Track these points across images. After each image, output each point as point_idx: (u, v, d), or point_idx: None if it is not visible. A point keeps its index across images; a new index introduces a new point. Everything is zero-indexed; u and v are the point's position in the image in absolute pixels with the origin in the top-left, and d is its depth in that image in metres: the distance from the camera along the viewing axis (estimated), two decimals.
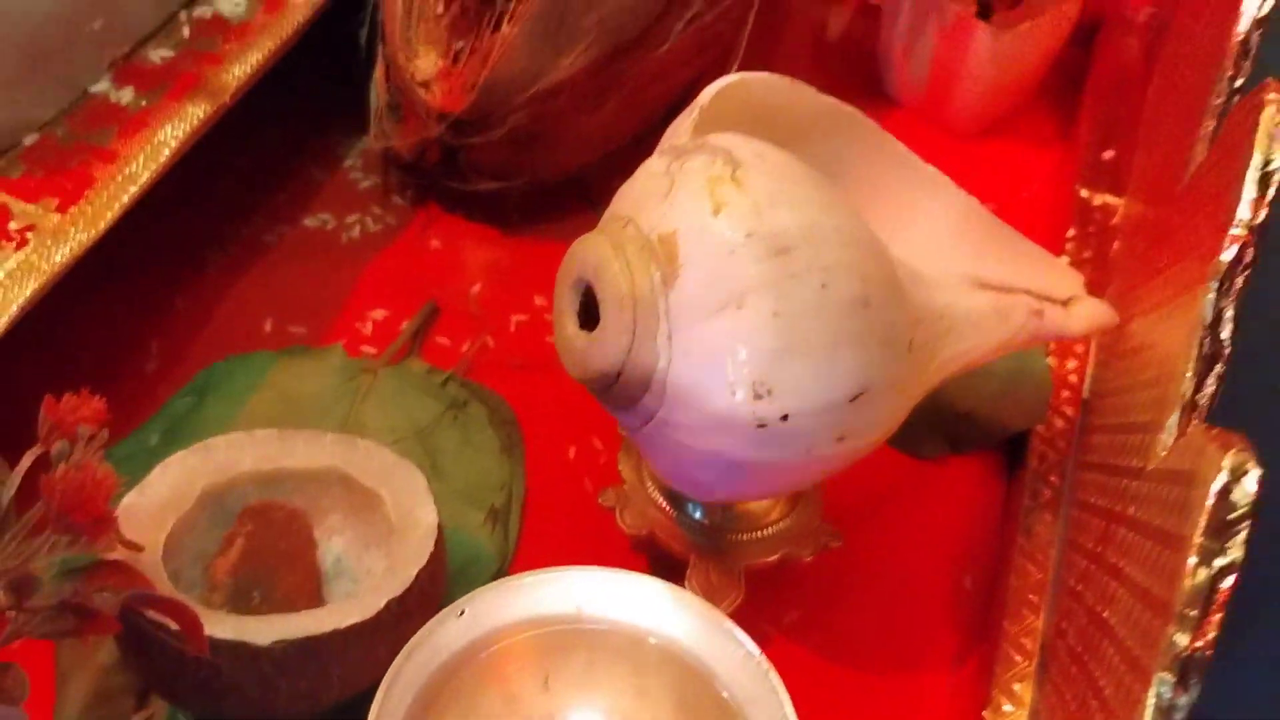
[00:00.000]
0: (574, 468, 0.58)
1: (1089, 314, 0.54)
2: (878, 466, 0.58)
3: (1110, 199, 0.70)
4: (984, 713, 0.49)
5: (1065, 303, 0.54)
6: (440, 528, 0.48)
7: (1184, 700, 0.31)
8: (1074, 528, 0.53)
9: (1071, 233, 0.69)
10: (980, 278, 0.51)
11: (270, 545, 0.49)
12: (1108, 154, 0.73)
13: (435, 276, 0.65)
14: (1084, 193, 0.71)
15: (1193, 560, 0.31)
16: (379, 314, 0.63)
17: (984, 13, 0.74)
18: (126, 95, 0.56)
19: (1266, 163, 0.39)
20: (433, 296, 0.64)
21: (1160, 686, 0.31)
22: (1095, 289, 0.63)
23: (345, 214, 0.67)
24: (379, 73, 0.65)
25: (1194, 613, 0.31)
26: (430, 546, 0.47)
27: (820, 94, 0.51)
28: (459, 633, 0.36)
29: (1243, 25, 0.50)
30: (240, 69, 0.57)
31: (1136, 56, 0.78)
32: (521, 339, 0.63)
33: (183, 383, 0.59)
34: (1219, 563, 0.31)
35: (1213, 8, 0.58)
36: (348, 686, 0.45)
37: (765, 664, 0.35)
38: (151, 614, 0.41)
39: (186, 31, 0.59)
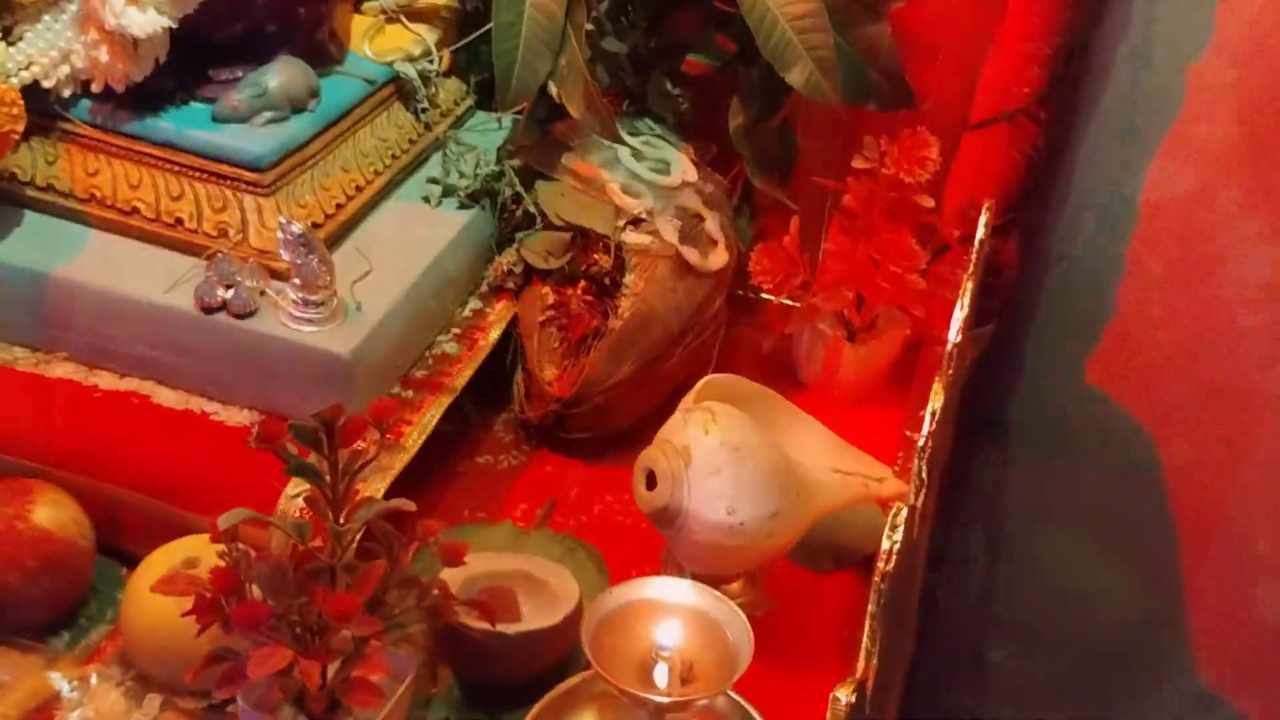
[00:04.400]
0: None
1: (893, 486, 1.08)
2: (795, 576, 1.11)
3: None
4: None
5: (880, 481, 1.08)
6: (580, 594, 0.99)
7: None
8: None
9: (900, 455, 1.23)
10: (834, 467, 1.05)
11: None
12: (922, 412, 1.28)
13: (550, 487, 1.18)
14: (909, 433, 1.26)
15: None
16: (523, 506, 1.16)
17: (851, 336, 1.31)
18: (409, 394, 1.11)
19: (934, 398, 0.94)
20: (551, 497, 1.17)
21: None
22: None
23: (499, 455, 1.21)
24: (519, 378, 1.21)
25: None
26: (576, 599, 0.98)
27: (752, 383, 1.06)
28: (610, 600, 0.87)
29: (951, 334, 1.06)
30: (461, 379, 1.13)
31: (941, 358, 1.35)
32: (601, 516, 1.15)
33: None
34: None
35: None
36: (541, 664, 0.96)
37: (737, 611, 0.86)
38: (464, 616, 0.91)
39: (431, 362, 1.14)
